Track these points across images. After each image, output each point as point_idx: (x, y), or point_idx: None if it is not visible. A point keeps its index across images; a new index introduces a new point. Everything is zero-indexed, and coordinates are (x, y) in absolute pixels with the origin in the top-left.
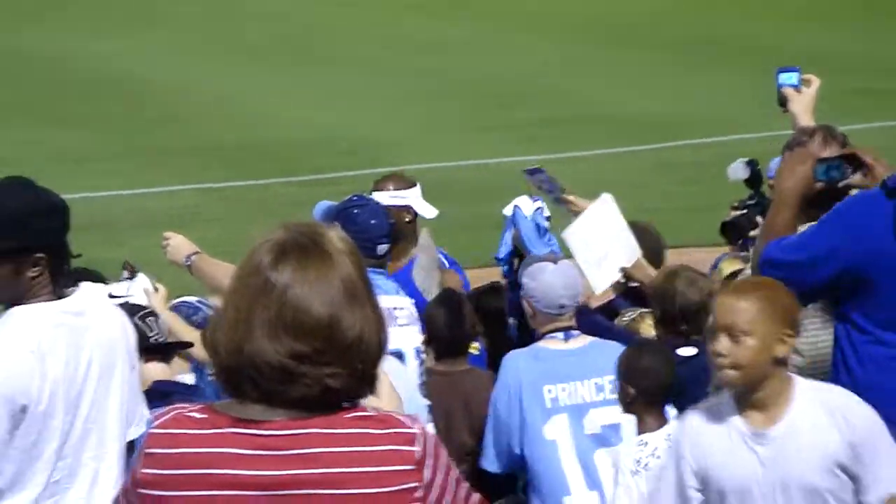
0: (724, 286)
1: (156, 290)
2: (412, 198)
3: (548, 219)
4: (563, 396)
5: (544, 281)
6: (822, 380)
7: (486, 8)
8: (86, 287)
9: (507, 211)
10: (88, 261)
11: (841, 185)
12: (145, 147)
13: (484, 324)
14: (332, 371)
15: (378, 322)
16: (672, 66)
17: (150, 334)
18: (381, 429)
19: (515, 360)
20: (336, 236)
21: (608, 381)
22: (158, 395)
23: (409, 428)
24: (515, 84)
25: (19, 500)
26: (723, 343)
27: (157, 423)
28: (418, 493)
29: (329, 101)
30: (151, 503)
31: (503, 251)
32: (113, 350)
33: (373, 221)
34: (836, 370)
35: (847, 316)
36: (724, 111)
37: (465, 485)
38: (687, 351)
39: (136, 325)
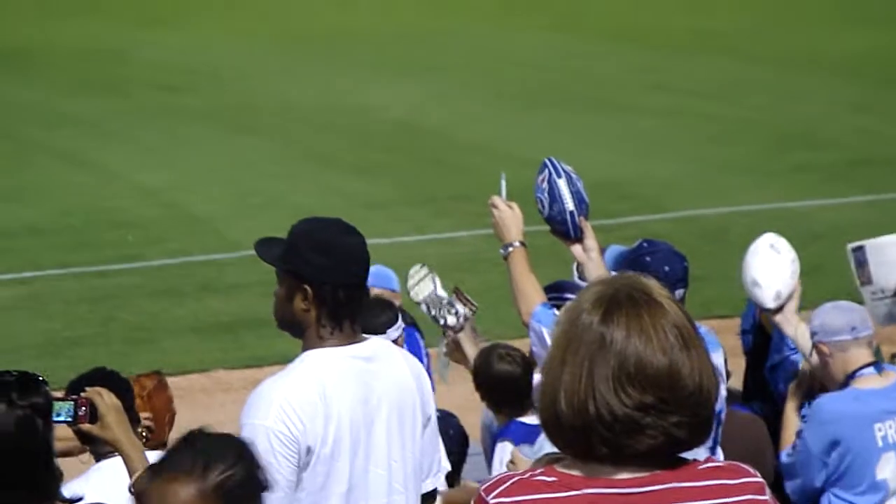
0: None
1: None
2: None
3: None
4: (891, 433)
5: (826, 311)
6: None
7: (763, 51)
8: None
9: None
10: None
11: None
12: (429, 194)
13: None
14: (676, 420)
15: (711, 366)
16: None
17: None
18: (736, 479)
19: (834, 405)
20: (656, 284)
21: None
22: None
23: (757, 477)
24: (803, 125)
25: None
26: None
27: (496, 492)
28: None
29: (603, 145)
30: None
31: (747, 323)
32: (404, 397)
33: (666, 268)
34: None
35: None
36: None
37: None
38: None
39: None
